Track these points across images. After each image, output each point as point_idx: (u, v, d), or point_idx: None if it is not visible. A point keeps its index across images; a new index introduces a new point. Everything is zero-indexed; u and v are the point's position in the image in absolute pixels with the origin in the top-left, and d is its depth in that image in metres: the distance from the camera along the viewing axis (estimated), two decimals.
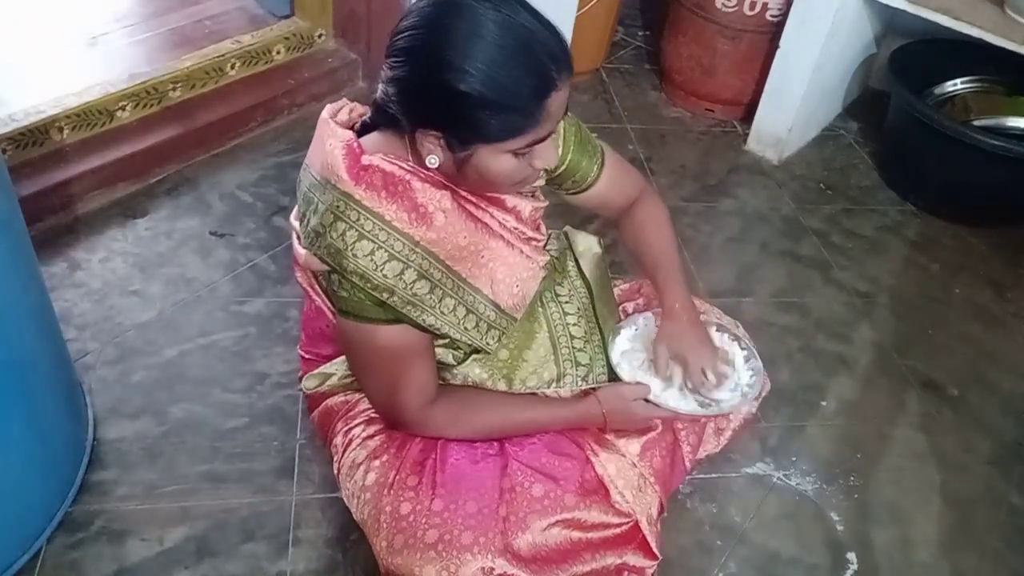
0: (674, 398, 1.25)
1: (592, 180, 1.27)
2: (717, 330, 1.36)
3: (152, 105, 2.13)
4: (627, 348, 1.32)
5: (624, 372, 1.27)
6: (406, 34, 0.98)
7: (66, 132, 1.99)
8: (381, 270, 1.03)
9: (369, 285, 1.04)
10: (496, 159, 1.02)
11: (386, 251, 1.03)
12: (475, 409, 1.21)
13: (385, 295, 1.05)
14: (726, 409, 1.28)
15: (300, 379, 1.41)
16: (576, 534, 1.17)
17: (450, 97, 0.96)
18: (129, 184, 2.05)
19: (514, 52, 0.95)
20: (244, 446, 1.53)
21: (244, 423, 1.57)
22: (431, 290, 1.08)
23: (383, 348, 1.10)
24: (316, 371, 1.32)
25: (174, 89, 2.17)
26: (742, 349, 1.34)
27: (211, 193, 2.08)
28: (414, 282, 1.06)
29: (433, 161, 1.03)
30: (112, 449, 1.50)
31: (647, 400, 1.24)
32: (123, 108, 2.08)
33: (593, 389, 1.28)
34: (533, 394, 1.26)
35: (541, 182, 1.23)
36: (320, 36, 2.48)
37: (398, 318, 1.08)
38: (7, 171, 1.22)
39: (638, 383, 1.24)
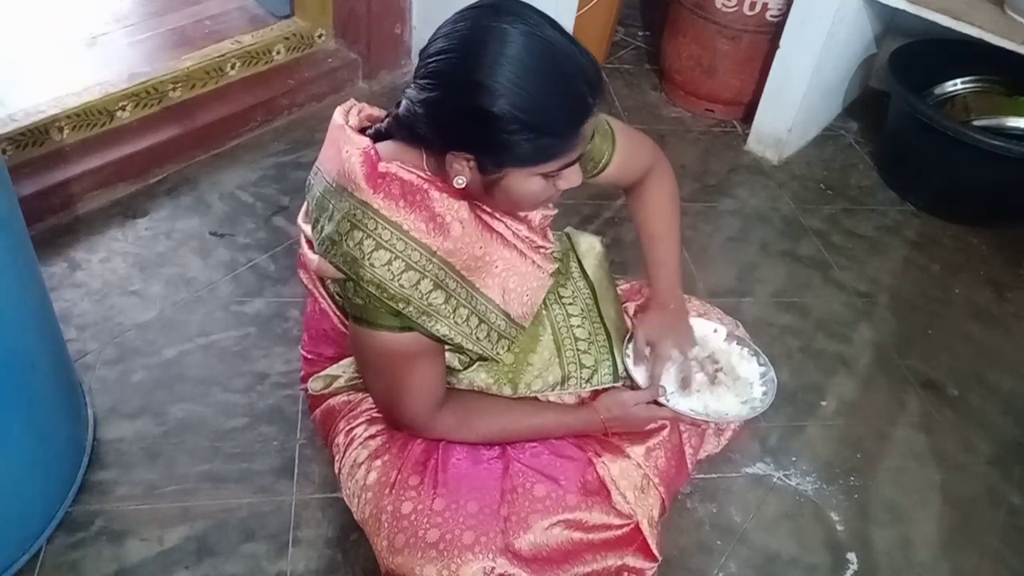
0: (681, 402, 1.25)
1: (606, 161, 1.26)
2: (737, 343, 1.36)
3: (152, 105, 2.14)
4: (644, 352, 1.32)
5: (640, 376, 1.27)
6: (439, 57, 0.96)
7: (66, 132, 1.99)
8: (398, 280, 1.03)
9: (385, 295, 1.03)
10: (526, 182, 1.01)
11: (403, 261, 1.03)
12: (481, 414, 1.21)
13: (401, 305, 1.04)
14: (731, 419, 1.30)
15: (303, 379, 1.42)
16: (578, 535, 1.17)
17: (485, 121, 0.94)
18: (129, 184, 2.05)
19: (550, 77, 0.94)
20: (244, 446, 1.53)
21: (244, 423, 1.57)
22: (446, 300, 1.08)
23: (395, 354, 1.10)
24: (323, 373, 1.32)
25: (174, 89, 2.17)
26: (760, 365, 1.34)
27: (211, 193, 2.08)
28: (430, 292, 1.05)
29: (460, 182, 1.02)
30: (112, 449, 1.50)
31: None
32: (123, 108, 2.08)
33: (597, 392, 1.28)
34: (537, 400, 1.26)
35: None
36: (320, 36, 2.48)
37: (412, 327, 1.08)
38: (7, 171, 1.22)
39: (643, 388, 1.24)
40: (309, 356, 1.38)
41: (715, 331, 1.38)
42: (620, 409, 1.23)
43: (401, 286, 1.03)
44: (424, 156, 1.06)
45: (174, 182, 2.10)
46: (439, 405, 1.17)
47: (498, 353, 1.20)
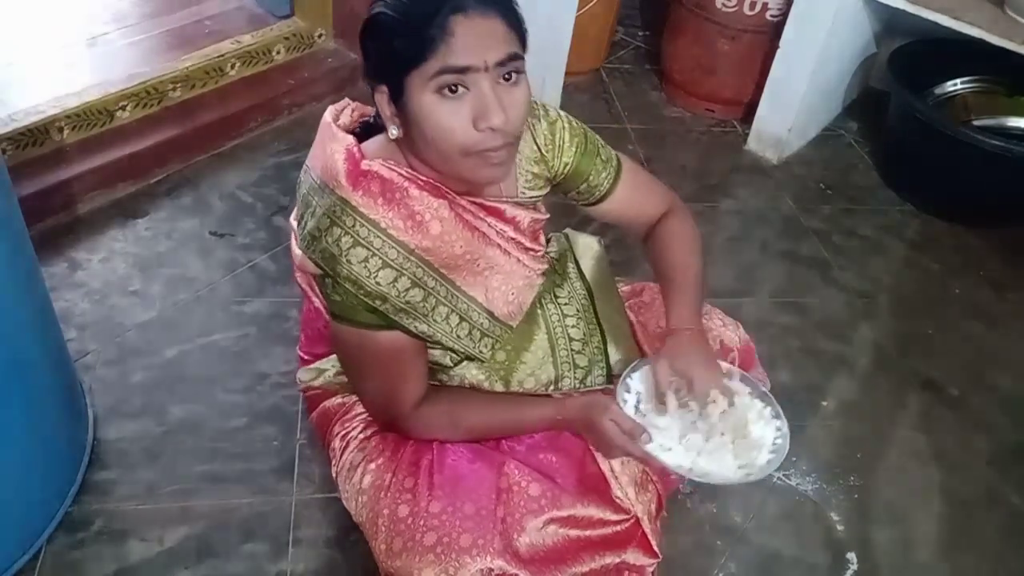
0: (670, 455, 1.13)
1: (605, 191, 1.24)
2: (761, 400, 1.20)
3: (152, 105, 2.14)
4: (640, 389, 1.21)
5: (629, 411, 1.15)
6: None
7: (66, 132, 1.99)
8: (374, 277, 1.03)
9: (362, 292, 1.04)
10: (430, 104, 0.97)
11: (380, 258, 1.03)
12: (465, 409, 1.21)
13: (378, 302, 1.05)
14: (714, 482, 1.13)
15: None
16: (574, 532, 1.16)
17: (370, 34, 0.99)
18: (129, 184, 2.05)
19: None
20: (244, 446, 1.53)
21: (244, 423, 1.57)
22: (424, 298, 1.08)
23: (374, 352, 1.10)
24: (312, 366, 1.33)
25: (174, 89, 2.17)
26: (777, 430, 1.17)
27: (211, 193, 2.08)
28: (407, 290, 1.06)
29: (394, 132, 1.03)
30: (112, 449, 1.50)
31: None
32: (123, 108, 2.08)
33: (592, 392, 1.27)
34: (521, 395, 1.25)
35: (546, 189, 1.23)
36: (320, 36, 2.48)
37: (390, 324, 1.08)
38: (7, 171, 1.22)
39: (634, 420, 1.13)
40: (306, 357, 1.38)
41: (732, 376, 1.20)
42: (599, 416, 1.14)
43: (377, 283, 1.04)
44: (404, 153, 1.06)
45: (174, 182, 2.10)
46: (420, 402, 1.17)
47: (481, 352, 1.19)
